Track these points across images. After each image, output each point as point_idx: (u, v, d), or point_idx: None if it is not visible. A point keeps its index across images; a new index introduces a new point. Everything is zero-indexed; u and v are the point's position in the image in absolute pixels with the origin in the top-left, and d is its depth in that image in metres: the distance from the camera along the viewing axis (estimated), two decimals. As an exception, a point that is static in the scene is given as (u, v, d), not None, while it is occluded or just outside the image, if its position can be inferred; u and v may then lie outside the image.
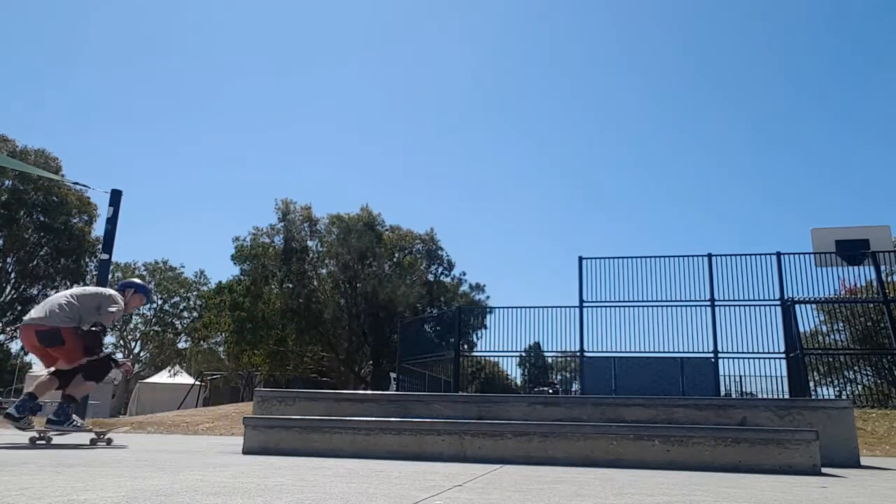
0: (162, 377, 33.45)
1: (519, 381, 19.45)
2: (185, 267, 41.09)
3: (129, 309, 5.10)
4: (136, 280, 5.34)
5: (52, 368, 4.71)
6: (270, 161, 66.92)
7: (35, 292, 29.26)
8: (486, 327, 18.72)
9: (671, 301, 13.29)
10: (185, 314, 39.74)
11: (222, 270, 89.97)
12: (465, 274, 29.15)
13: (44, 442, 4.50)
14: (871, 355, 15.02)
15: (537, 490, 2.18)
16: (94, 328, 4.68)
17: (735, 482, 2.68)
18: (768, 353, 12.72)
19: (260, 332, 24.33)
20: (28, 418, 4.48)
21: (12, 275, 28.05)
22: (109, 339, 39.08)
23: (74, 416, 4.71)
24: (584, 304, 13.59)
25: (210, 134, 68.12)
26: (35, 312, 4.73)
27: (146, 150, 66.42)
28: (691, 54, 71.66)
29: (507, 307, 14.59)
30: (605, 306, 13.55)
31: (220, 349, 31.60)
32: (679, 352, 13.04)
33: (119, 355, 5.50)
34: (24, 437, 4.65)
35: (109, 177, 70.00)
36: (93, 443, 4.61)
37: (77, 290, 4.98)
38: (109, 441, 4.73)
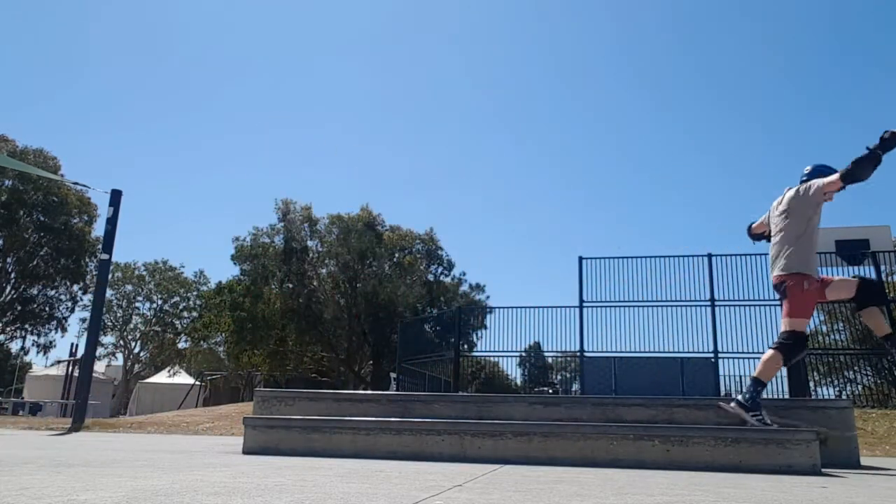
0: (162, 377, 33.43)
1: (519, 381, 19.45)
2: (185, 267, 41.15)
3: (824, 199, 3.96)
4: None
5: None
6: (270, 161, 66.97)
7: (35, 292, 29.29)
8: (486, 327, 18.72)
9: (671, 301, 13.29)
10: (185, 314, 39.80)
11: (222, 270, 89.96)
12: (465, 274, 29.17)
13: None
14: (871, 355, 15.02)
15: (537, 490, 2.18)
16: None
17: (735, 482, 2.68)
18: (768, 353, 12.71)
19: (260, 332, 24.35)
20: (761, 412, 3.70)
21: (12, 275, 28.06)
22: (109, 340, 39.00)
23: (763, 412, 3.69)
24: (584, 304, 13.59)
25: (210, 134, 68.20)
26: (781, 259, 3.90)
27: (146, 150, 66.50)
28: (691, 54, 71.68)
29: (507, 307, 14.59)
30: (605, 306, 13.54)
31: (220, 349, 31.63)
32: (679, 352, 13.03)
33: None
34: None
35: (109, 177, 70.08)
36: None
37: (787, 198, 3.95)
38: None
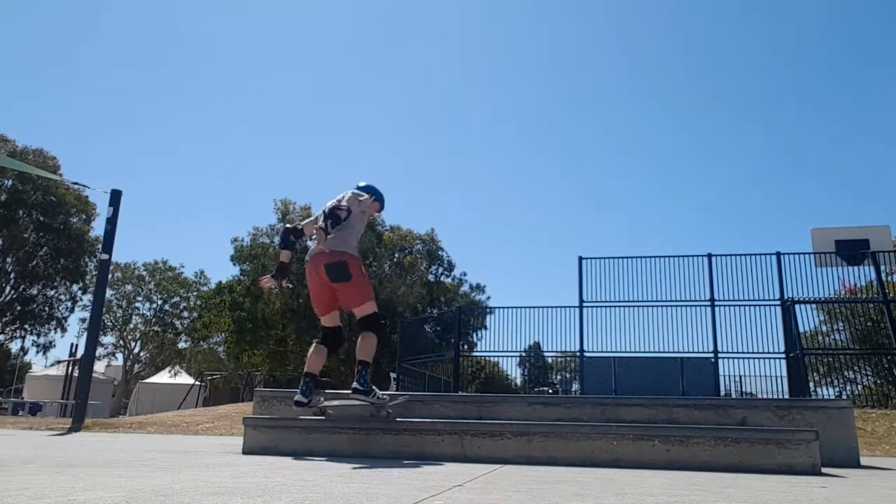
0: (162, 377, 33.43)
1: (519, 381, 19.45)
2: (184, 267, 41.14)
3: (367, 214, 4.37)
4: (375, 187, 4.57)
5: (320, 336, 4.21)
6: (270, 161, 66.99)
7: (35, 292, 29.27)
8: (486, 327, 18.74)
9: (671, 301, 13.29)
10: (185, 314, 39.77)
11: (222, 270, 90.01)
12: (465, 274, 29.18)
13: (330, 415, 4.10)
14: (871, 355, 15.03)
15: (537, 490, 2.18)
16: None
17: (735, 482, 2.68)
18: (768, 353, 12.73)
19: (260, 332, 24.33)
20: (315, 398, 4.14)
21: (12, 275, 28.04)
22: (109, 340, 38.99)
23: (374, 387, 4.03)
24: (584, 304, 13.59)
25: (210, 134, 68.19)
26: (332, 240, 4.02)
27: (146, 150, 66.52)
28: (691, 54, 71.69)
29: (507, 307, 14.59)
30: (605, 306, 13.55)
31: (220, 349, 31.62)
32: (679, 352, 13.04)
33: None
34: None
35: (109, 177, 70.08)
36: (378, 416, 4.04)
37: (346, 196, 4.21)
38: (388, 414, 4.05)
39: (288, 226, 4.44)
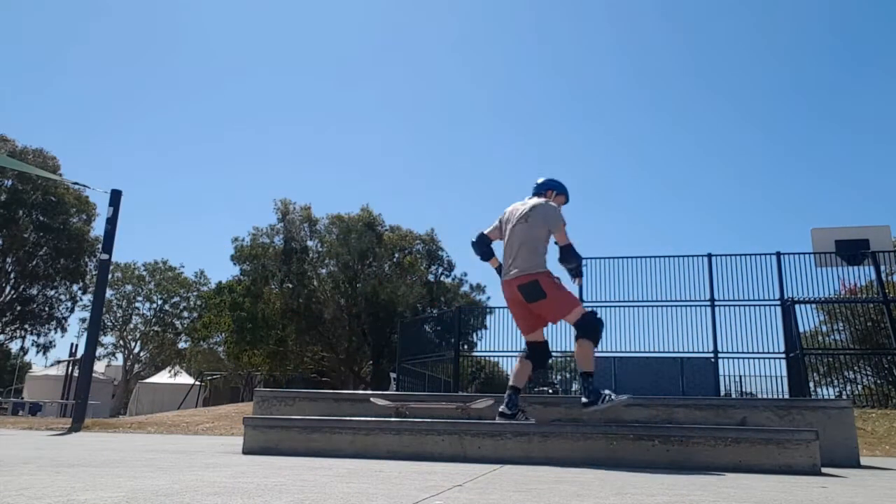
0: (162, 377, 33.44)
1: (519, 381, 19.39)
2: (185, 267, 41.14)
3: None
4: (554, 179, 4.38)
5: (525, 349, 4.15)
6: (270, 161, 67.01)
7: (35, 292, 29.25)
8: (486, 327, 18.73)
9: (671, 301, 13.28)
10: (185, 314, 39.77)
11: (222, 270, 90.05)
12: (465, 275, 29.13)
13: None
14: (871, 355, 15.03)
15: (537, 490, 2.18)
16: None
17: (735, 482, 2.68)
18: (768, 353, 12.72)
19: (260, 332, 24.31)
20: (519, 413, 4.02)
21: (12, 275, 28.02)
22: (109, 340, 39.00)
23: (602, 392, 3.84)
24: (584, 305, 13.56)
25: (210, 133, 68.21)
26: (520, 259, 4.01)
27: (146, 149, 66.55)
28: (692, 54, 71.71)
29: (507, 307, 14.56)
30: (605, 306, 13.53)
31: (220, 349, 31.62)
32: (679, 352, 13.03)
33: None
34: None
35: (109, 177, 70.14)
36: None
37: (522, 207, 4.15)
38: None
39: (473, 240, 4.44)
